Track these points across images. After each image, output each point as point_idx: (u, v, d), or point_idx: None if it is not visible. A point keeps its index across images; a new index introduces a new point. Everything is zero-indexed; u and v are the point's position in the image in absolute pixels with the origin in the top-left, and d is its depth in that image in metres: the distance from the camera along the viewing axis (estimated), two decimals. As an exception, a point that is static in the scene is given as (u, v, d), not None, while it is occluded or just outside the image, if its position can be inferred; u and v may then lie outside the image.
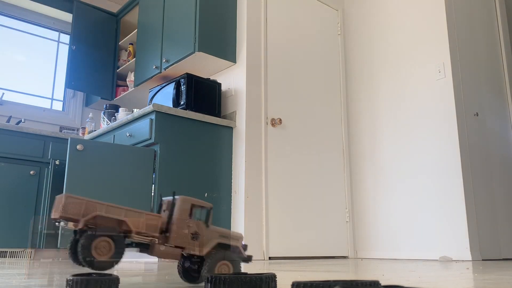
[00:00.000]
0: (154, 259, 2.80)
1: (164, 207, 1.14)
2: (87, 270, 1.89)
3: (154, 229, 1.04)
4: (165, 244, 1.07)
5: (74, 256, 1.04)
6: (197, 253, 1.09)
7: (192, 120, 3.03)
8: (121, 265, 2.52)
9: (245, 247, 1.19)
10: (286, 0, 3.68)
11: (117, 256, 0.98)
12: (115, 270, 1.92)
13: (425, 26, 3.43)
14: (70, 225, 0.98)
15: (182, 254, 1.13)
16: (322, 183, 3.57)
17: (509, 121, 3.73)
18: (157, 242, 1.07)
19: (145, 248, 1.08)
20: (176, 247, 1.08)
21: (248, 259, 1.18)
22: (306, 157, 3.50)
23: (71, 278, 0.87)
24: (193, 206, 1.13)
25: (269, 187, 3.19)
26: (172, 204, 1.10)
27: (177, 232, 1.07)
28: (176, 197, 1.11)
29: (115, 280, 0.90)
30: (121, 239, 0.99)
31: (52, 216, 0.99)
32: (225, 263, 1.12)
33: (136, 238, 1.03)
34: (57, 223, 1.03)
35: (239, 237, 1.17)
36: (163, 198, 1.16)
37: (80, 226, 0.95)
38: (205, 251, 1.10)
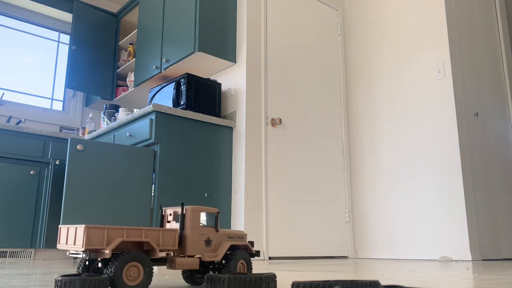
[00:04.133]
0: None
1: (169, 217, 1.16)
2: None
3: (173, 243, 1.06)
4: (181, 255, 1.10)
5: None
6: (213, 259, 1.12)
7: (192, 120, 3.03)
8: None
9: (252, 243, 1.23)
10: (286, 0, 3.68)
11: (147, 278, 0.99)
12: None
13: (425, 26, 3.43)
14: (93, 255, 0.96)
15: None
16: (322, 183, 3.57)
17: (509, 121, 3.73)
18: (173, 254, 1.09)
19: (163, 262, 1.10)
20: (191, 256, 1.11)
21: (257, 254, 1.23)
22: (306, 157, 3.50)
23: (59, 278, 0.87)
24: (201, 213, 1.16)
25: (269, 187, 3.19)
26: (182, 215, 1.11)
27: (192, 242, 1.10)
28: (185, 207, 1.13)
29: (105, 280, 0.89)
30: (148, 261, 0.99)
31: (72, 249, 0.96)
32: (242, 262, 1.17)
33: (159, 255, 1.04)
34: (75, 255, 1.00)
35: (244, 235, 1.21)
36: (164, 208, 1.18)
37: (108, 255, 0.94)
38: (220, 256, 1.13)
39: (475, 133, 3.30)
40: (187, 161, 2.96)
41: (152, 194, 2.82)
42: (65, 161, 3.72)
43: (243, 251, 1.18)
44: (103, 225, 1.01)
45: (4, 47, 4.43)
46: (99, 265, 1.02)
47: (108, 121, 3.96)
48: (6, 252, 3.41)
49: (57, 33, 4.81)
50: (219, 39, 3.34)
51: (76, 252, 0.97)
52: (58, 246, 1.00)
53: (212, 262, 1.18)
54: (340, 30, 4.08)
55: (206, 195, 3.00)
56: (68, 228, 0.97)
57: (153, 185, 2.83)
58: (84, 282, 0.86)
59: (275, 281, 0.93)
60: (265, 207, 3.13)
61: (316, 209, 3.47)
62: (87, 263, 1.03)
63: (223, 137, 3.19)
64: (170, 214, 1.16)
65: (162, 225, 1.19)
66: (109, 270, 0.92)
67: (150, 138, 2.87)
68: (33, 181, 3.56)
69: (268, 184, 3.19)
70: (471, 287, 1.10)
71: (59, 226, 1.01)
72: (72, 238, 0.95)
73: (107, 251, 0.93)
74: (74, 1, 4.32)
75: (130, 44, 4.43)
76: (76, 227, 0.94)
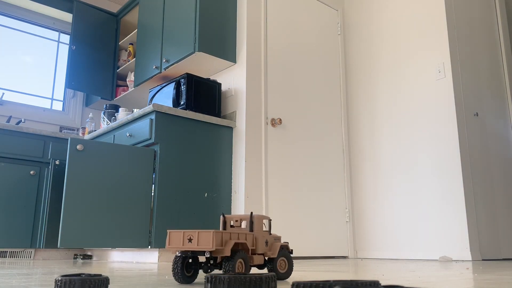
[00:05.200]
0: (154, 259, 2.80)
1: (235, 223, 1.40)
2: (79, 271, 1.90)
3: (252, 244, 1.32)
4: (253, 254, 1.34)
5: (182, 276, 1.22)
6: (271, 256, 1.38)
7: (192, 120, 3.03)
8: (122, 265, 2.52)
9: (287, 243, 1.48)
10: (286, 0, 3.68)
11: (247, 271, 1.22)
12: (115, 270, 1.92)
13: (425, 26, 3.43)
14: (214, 253, 1.18)
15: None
16: (322, 183, 3.57)
17: (509, 121, 3.73)
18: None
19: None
20: (259, 254, 1.35)
21: (291, 252, 1.48)
22: (306, 157, 3.50)
23: (59, 278, 0.86)
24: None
25: (269, 187, 3.19)
26: (251, 222, 1.36)
27: (260, 242, 1.35)
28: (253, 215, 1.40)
29: (104, 280, 0.89)
30: (247, 258, 1.24)
31: (195, 249, 1.16)
32: (283, 259, 1.42)
33: (249, 254, 1.30)
34: (186, 254, 1.22)
35: (280, 237, 1.46)
36: (226, 215, 1.41)
37: (228, 253, 1.17)
38: (275, 254, 1.38)
39: (475, 133, 3.30)
40: (187, 161, 2.96)
41: (152, 194, 2.82)
42: (65, 161, 3.72)
43: (285, 250, 1.43)
44: (182, 229, 1.22)
45: (4, 47, 4.43)
46: (210, 262, 1.26)
47: (108, 121, 3.96)
48: (6, 252, 3.41)
49: (57, 33, 4.81)
50: (219, 39, 3.34)
51: (192, 251, 1.19)
52: (168, 247, 1.20)
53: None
54: (340, 30, 4.08)
55: (206, 195, 3.00)
56: (183, 232, 1.19)
57: (153, 185, 2.83)
58: (84, 282, 0.86)
59: (275, 281, 0.93)
60: (265, 207, 3.13)
61: (316, 209, 3.47)
62: (190, 260, 1.26)
63: (223, 137, 3.19)
64: (236, 221, 1.39)
65: (224, 229, 1.40)
66: (229, 265, 1.16)
67: (150, 138, 2.87)
68: (33, 181, 3.56)
69: (268, 184, 3.19)
70: (471, 287, 1.10)
71: (168, 230, 1.23)
72: (195, 240, 1.17)
73: (227, 250, 1.17)
74: (74, 1, 4.32)
75: (130, 44, 4.43)
76: (198, 232, 1.17)
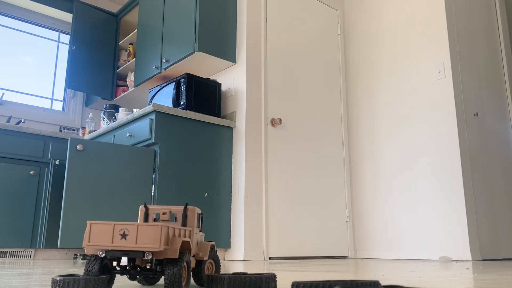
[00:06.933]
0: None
1: (164, 216, 1.10)
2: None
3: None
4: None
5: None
6: (202, 258, 1.09)
7: (192, 120, 3.03)
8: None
9: (214, 242, 1.21)
10: (286, 0, 3.68)
11: (189, 276, 0.98)
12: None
13: (425, 26, 3.43)
14: (156, 254, 0.90)
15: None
16: (322, 183, 3.57)
17: (509, 121, 3.73)
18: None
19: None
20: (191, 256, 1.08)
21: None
22: (306, 157, 3.50)
23: (60, 278, 0.86)
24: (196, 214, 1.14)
25: (269, 187, 3.19)
26: (184, 215, 1.08)
27: (194, 241, 1.08)
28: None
29: (104, 280, 0.88)
30: (190, 261, 0.98)
31: (135, 249, 0.87)
32: (210, 261, 1.16)
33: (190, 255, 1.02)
34: (122, 255, 0.91)
35: (204, 234, 1.20)
36: (150, 206, 1.13)
37: (175, 255, 0.90)
38: (206, 255, 1.10)
39: (475, 133, 3.30)
40: (187, 161, 2.96)
41: (152, 194, 2.82)
42: (65, 161, 3.72)
43: (212, 250, 1.18)
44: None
45: (4, 47, 4.43)
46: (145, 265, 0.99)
47: (108, 121, 3.96)
48: (6, 252, 3.41)
49: (57, 33, 4.81)
50: (219, 39, 3.34)
51: (127, 252, 0.90)
52: (87, 245, 0.89)
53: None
54: (340, 30, 4.08)
55: (206, 195, 3.00)
56: (114, 225, 0.89)
57: (153, 185, 2.83)
58: (88, 281, 0.85)
59: (275, 281, 0.93)
60: (265, 207, 3.13)
61: (316, 209, 3.47)
62: (115, 263, 0.98)
63: (223, 137, 3.18)
64: (164, 213, 1.09)
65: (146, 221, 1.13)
66: (174, 271, 0.89)
67: (150, 138, 2.87)
68: (33, 181, 3.56)
69: (268, 184, 3.19)
70: (471, 287, 1.10)
71: (89, 222, 0.91)
72: (132, 237, 0.88)
73: (175, 251, 0.90)
74: (74, 1, 4.32)
75: (130, 44, 4.43)
76: (137, 225, 0.88)
